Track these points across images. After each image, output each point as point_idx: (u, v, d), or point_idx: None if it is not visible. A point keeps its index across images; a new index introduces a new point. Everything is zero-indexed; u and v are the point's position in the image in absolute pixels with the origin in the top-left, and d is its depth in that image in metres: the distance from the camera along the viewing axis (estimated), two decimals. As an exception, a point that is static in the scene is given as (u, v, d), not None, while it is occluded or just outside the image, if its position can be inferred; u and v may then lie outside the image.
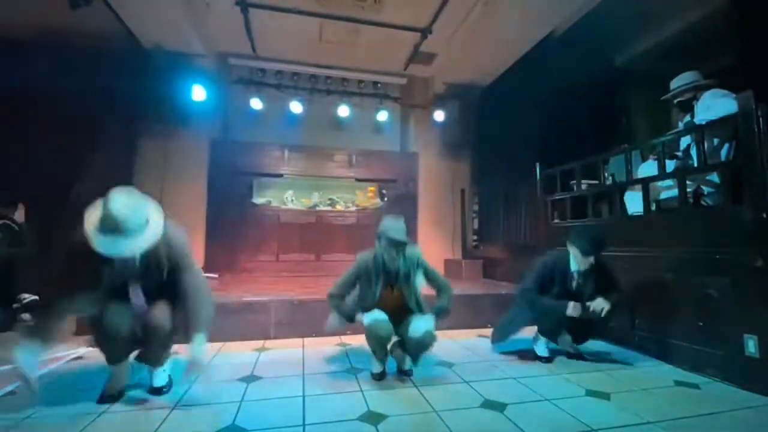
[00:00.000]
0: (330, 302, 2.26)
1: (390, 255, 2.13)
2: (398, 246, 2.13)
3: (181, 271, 1.87)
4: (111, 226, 1.59)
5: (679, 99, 2.93)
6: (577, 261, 2.46)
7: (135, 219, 1.64)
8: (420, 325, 2.12)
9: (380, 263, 2.18)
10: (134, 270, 1.81)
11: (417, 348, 2.14)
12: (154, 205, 1.78)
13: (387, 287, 2.23)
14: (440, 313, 2.26)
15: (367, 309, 2.21)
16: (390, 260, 2.15)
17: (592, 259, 2.40)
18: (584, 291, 2.48)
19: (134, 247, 1.67)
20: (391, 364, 2.28)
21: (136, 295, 1.86)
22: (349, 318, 2.23)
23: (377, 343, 2.14)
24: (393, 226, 2.13)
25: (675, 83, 2.93)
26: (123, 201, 1.64)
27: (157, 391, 1.94)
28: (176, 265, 1.87)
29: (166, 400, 1.89)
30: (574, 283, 2.52)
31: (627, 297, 2.64)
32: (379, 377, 2.18)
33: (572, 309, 2.38)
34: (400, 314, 2.24)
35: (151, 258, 1.80)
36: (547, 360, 2.53)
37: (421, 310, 2.25)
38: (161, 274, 1.86)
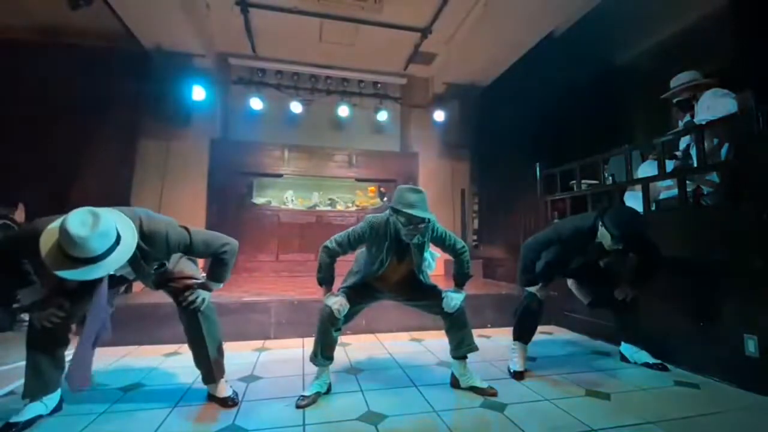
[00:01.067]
0: (321, 253, 1.97)
1: (409, 232, 1.87)
2: (421, 224, 1.86)
3: (186, 249, 1.74)
4: (75, 254, 1.37)
5: (678, 98, 2.93)
6: (602, 237, 2.18)
7: (102, 242, 1.40)
8: (453, 300, 2.03)
9: (393, 234, 1.94)
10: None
11: (457, 320, 2.06)
12: (121, 217, 1.54)
13: (395, 259, 2.01)
14: (459, 281, 2.11)
15: (369, 276, 2.07)
16: (408, 236, 1.90)
17: (620, 246, 2.13)
18: (608, 267, 2.40)
19: (105, 270, 1.44)
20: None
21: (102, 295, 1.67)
22: (320, 281, 1.98)
23: (327, 334, 1.95)
24: (414, 200, 1.82)
25: (674, 83, 2.93)
26: (85, 223, 1.37)
27: (223, 402, 1.85)
28: (180, 250, 1.74)
29: (166, 400, 1.90)
30: (595, 254, 2.33)
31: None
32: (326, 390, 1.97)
33: (538, 288, 2.40)
34: (403, 286, 2.13)
35: (140, 256, 1.61)
36: (518, 376, 2.23)
37: (425, 279, 2.13)
38: (160, 257, 1.72)
